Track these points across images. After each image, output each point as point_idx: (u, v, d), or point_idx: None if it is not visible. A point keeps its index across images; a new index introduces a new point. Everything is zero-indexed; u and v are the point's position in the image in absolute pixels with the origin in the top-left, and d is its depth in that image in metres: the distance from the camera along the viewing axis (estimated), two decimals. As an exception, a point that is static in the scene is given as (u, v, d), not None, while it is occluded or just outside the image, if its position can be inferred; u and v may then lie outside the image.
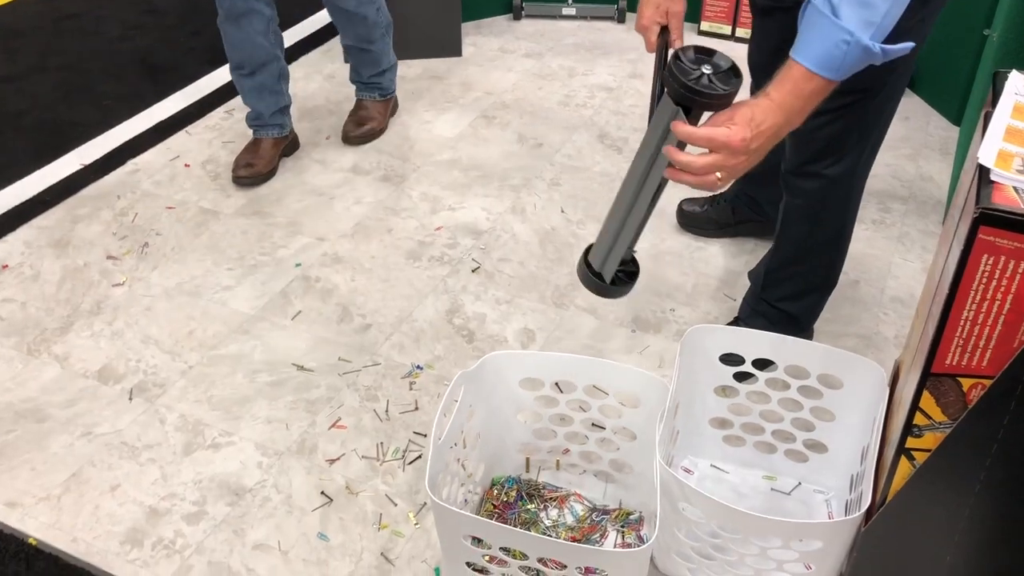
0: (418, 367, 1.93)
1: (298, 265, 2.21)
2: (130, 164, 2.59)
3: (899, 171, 2.58)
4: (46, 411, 1.82)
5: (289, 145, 2.61)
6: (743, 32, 3.26)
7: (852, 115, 1.63)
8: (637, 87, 3.02)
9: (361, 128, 2.68)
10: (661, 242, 2.31)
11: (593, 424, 1.59)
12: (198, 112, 2.84)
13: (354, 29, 2.56)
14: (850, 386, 1.55)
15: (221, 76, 3.03)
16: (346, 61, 2.67)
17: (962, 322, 1.08)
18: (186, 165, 2.59)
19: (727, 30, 3.32)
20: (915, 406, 1.17)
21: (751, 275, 2.04)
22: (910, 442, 1.20)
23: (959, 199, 1.23)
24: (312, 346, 1.98)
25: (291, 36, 3.28)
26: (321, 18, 3.39)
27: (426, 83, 3.03)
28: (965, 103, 2.73)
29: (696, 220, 2.34)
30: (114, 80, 3.04)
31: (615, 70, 3.12)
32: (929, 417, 1.17)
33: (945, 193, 2.48)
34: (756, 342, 1.59)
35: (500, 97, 2.96)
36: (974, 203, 1.02)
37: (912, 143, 2.71)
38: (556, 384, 1.57)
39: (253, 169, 2.50)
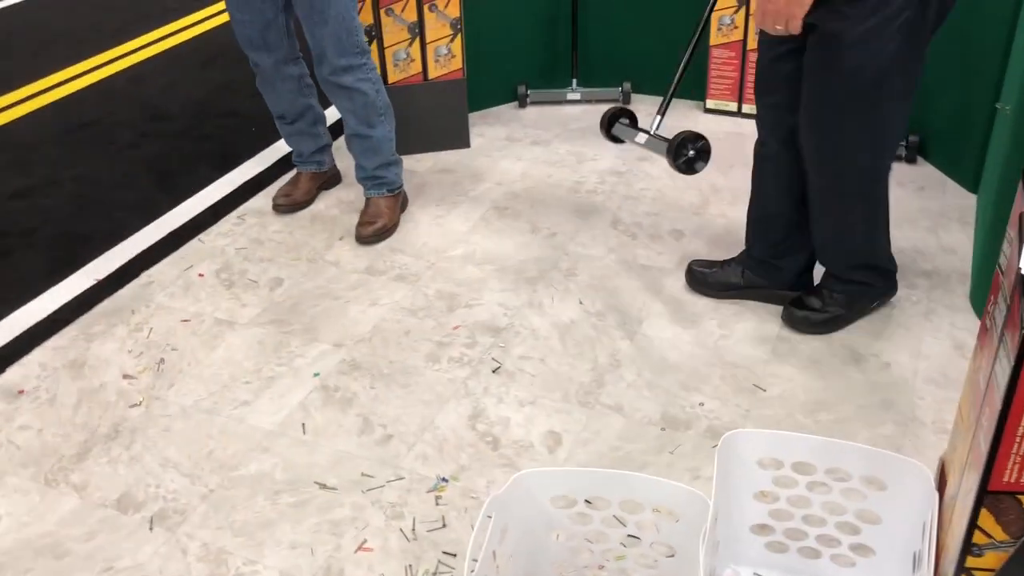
0: (443, 480, 1.87)
1: (316, 375, 2.18)
2: (144, 276, 2.58)
3: (920, 244, 2.54)
4: (65, 546, 1.77)
5: (330, 180, 2.97)
6: (749, 108, 3.26)
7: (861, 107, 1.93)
8: (647, 170, 3.01)
9: (372, 227, 2.68)
10: (683, 331, 2.27)
11: (629, 536, 1.53)
12: (210, 219, 2.84)
13: (353, 108, 2.60)
14: (895, 488, 1.49)
15: (232, 181, 3.05)
16: (351, 151, 2.75)
17: (1018, 438, 1.03)
18: (200, 275, 2.57)
19: (733, 107, 3.33)
20: (973, 524, 1.11)
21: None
22: (970, 561, 1.14)
23: (998, 298, 1.19)
24: (334, 461, 1.93)
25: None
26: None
27: (436, 176, 3.03)
28: (980, 169, 2.71)
29: (705, 280, 2.38)
30: (126, 190, 3.06)
31: (624, 154, 3.12)
32: (989, 536, 1.11)
33: (968, 265, 2.44)
34: (794, 446, 1.54)
35: (510, 187, 2.95)
36: (1019, 318, 0.98)
37: (930, 214, 2.68)
38: (588, 500, 1.51)
39: (290, 198, 2.84)
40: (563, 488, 1.50)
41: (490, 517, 1.39)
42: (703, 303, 2.36)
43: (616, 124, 2.39)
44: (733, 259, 2.37)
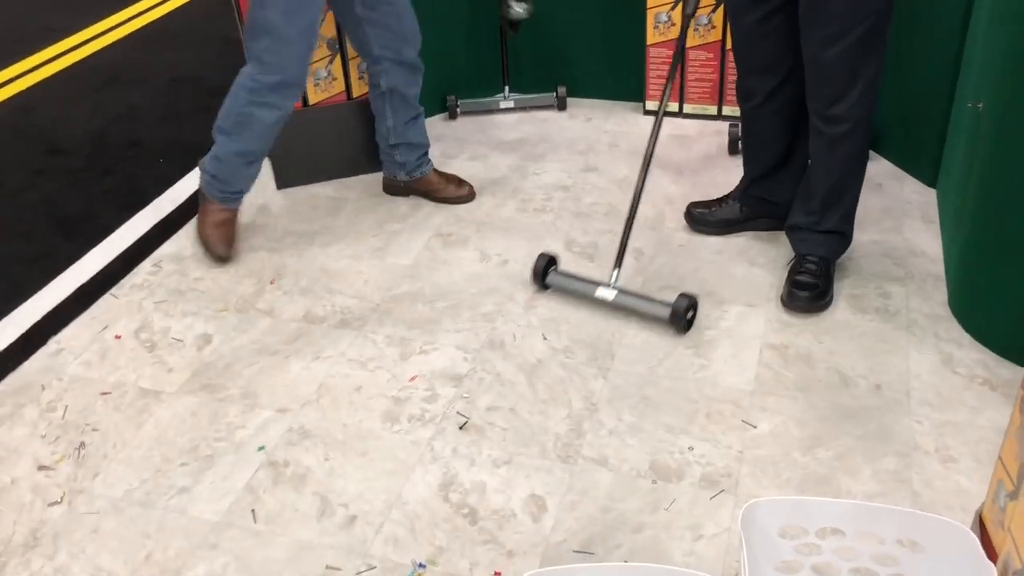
0: (421, 565, 1.67)
1: (261, 449, 1.94)
2: (52, 343, 2.29)
3: (888, 247, 2.44)
4: None
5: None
6: (730, 110, 3.08)
7: (869, 40, 1.99)
8: (594, 182, 2.84)
9: (463, 186, 2.76)
10: (658, 363, 2.11)
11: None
12: (122, 269, 2.55)
13: (415, 84, 2.62)
14: (934, 550, 1.36)
15: (141, 224, 2.76)
16: (388, 154, 2.71)
17: None
18: (117, 337, 2.30)
19: (712, 110, 3.15)
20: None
21: (790, 228, 2.35)
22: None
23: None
24: (293, 554, 1.71)
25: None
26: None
27: (370, 203, 2.80)
28: (939, 163, 2.62)
29: (706, 220, 2.52)
30: (22, 240, 2.74)
31: (567, 165, 2.95)
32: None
33: (941, 268, 2.35)
34: (819, 512, 1.39)
35: (452, 210, 2.74)
36: None
37: (893, 213, 2.58)
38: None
39: (234, 245, 2.56)
40: (572, 587, 1.32)
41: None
42: (673, 331, 2.20)
43: (551, 274, 2.32)
44: (729, 195, 2.54)
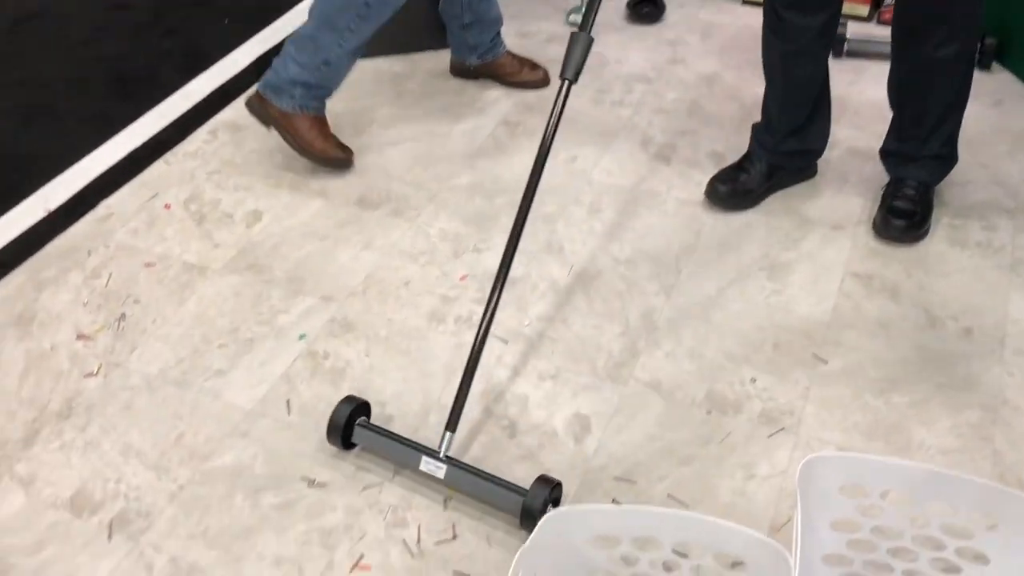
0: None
1: (302, 337, 1.87)
2: (101, 207, 2.23)
3: (999, 175, 2.19)
4: (8, 560, 1.50)
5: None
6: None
7: None
8: (680, 75, 2.62)
9: (537, 70, 2.58)
10: (728, 285, 1.95)
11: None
12: (177, 135, 2.46)
13: None
14: (1011, 529, 1.21)
15: (201, 88, 2.65)
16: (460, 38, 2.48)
17: None
18: (166, 206, 2.23)
19: (864, 11, 2.83)
20: None
21: (884, 153, 2.12)
22: None
23: None
24: (324, 450, 1.65)
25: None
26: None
27: (437, 83, 2.63)
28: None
29: (744, 193, 2.13)
30: (79, 98, 2.66)
31: (651, 55, 2.72)
32: None
33: (1058, 202, 2.11)
34: (885, 472, 1.25)
35: (522, 97, 2.56)
36: None
37: (1010, 135, 2.32)
38: (636, 540, 1.23)
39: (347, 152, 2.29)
40: (604, 529, 1.22)
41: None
42: (751, 247, 2.03)
43: (358, 429, 1.60)
44: (750, 157, 2.16)
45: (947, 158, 2.06)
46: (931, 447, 1.61)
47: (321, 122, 2.25)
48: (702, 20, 2.88)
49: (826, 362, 1.77)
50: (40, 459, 1.66)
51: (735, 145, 2.32)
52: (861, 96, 2.49)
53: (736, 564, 1.21)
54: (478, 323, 1.65)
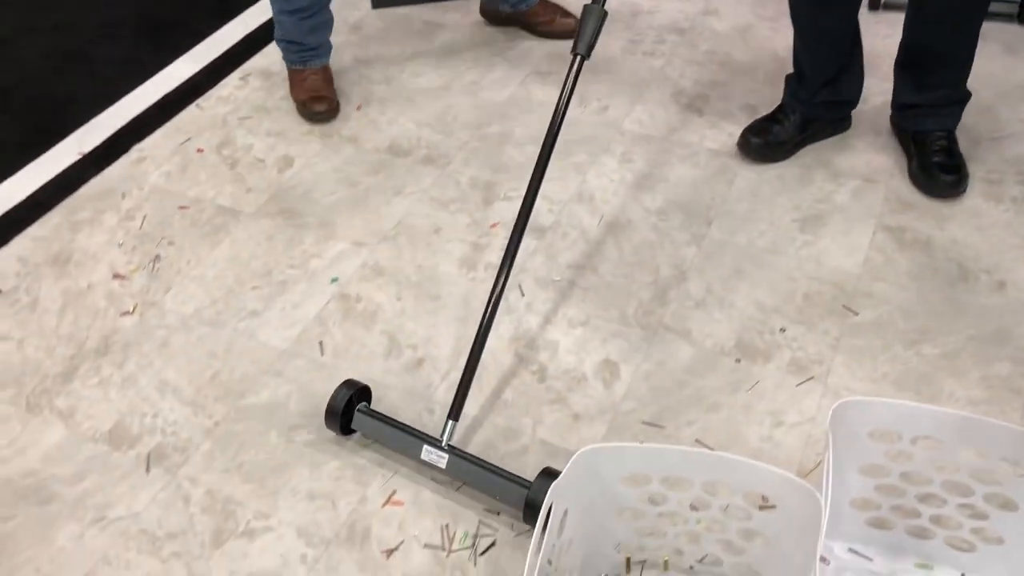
0: (483, 418, 1.62)
1: (334, 280, 1.89)
2: (135, 151, 2.25)
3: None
4: (51, 488, 1.55)
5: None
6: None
7: None
8: (713, 27, 2.59)
9: (568, 18, 2.53)
10: (759, 235, 1.94)
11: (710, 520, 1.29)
12: (209, 80, 2.47)
13: None
14: (1043, 476, 1.22)
15: (232, 34, 2.65)
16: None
17: None
18: (199, 150, 2.24)
19: None
20: None
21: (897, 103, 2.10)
22: None
23: None
24: (356, 391, 1.67)
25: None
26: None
27: (466, 32, 2.62)
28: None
29: (767, 145, 2.10)
30: (111, 42, 2.67)
31: (685, 5, 2.69)
32: None
33: (1097, 158, 2.08)
34: (917, 417, 1.26)
35: (553, 46, 2.54)
36: None
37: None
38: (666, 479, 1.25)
39: (331, 102, 2.31)
40: (635, 467, 1.24)
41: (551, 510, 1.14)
42: (782, 198, 2.02)
43: (358, 415, 1.56)
44: (784, 108, 2.14)
45: (964, 99, 2.04)
46: (960, 398, 1.61)
47: (295, 74, 2.34)
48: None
49: (856, 313, 1.77)
50: (79, 394, 1.70)
51: (768, 97, 2.30)
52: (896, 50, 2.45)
53: (765, 507, 1.23)
54: (513, 269, 1.66)
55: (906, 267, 1.86)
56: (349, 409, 1.56)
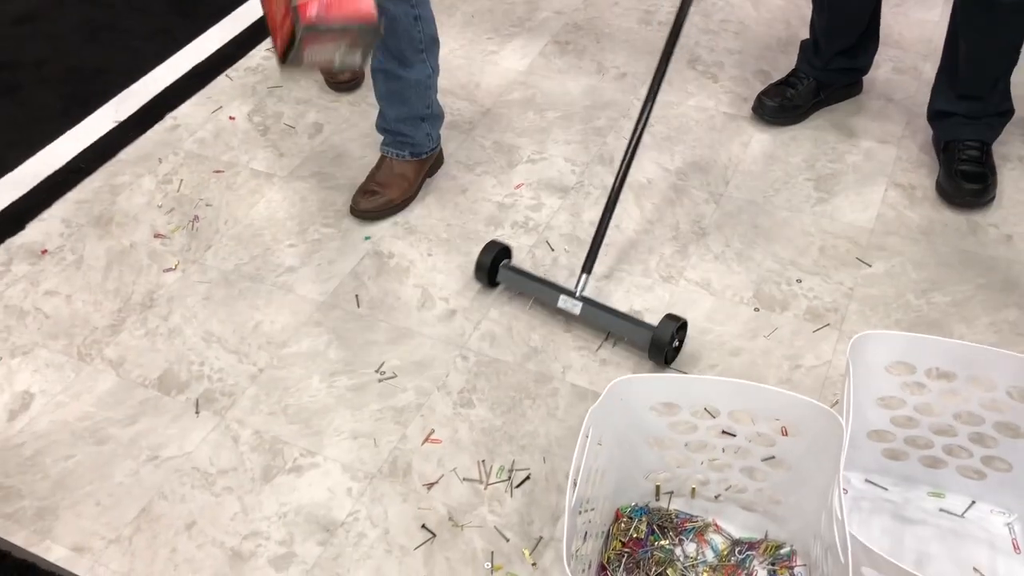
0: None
1: (367, 238, 1.97)
2: (168, 119, 2.33)
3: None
4: (106, 430, 1.63)
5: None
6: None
7: None
8: (726, -2, 2.65)
9: (374, 199, 2.00)
10: (775, 193, 2.02)
11: (738, 445, 1.37)
12: (237, 51, 2.54)
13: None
14: (1049, 402, 1.30)
15: (259, 5, 2.71)
16: (374, 88, 2.01)
17: None
18: (231, 118, 2.32)
19: None
20: None
21: (933, 115, 2.06)
22: None
23: None
24: (392, 339, 1.76)
25: None
26: None
27: (486, 2, 2.69)
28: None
29: (782, 109, 2.17)
30: (142, 14, 2.74)
31: (699, -23, 2.75)
32: None
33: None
34: (931, 350, 1.33)
35: (571, 16, 2.62)
36: None
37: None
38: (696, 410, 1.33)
39: (353, 72, 2.36)
40: (666, 395, 1.32)
41: (587, 437, 1.22)
42: (797, 159, 2.10)
43: (502, 270, 1.80)
44: (797, 73, 2.21)
45: (1007, 113, 2.00)
46: (971, 342, 1.68)
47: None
48: None
49: (870, 265, 1.85)
50: (127, 344, 1.78)
51: (781, 65, 2.37)
52: (907, 18, 2.52)
53: (788, 432, 1.31)
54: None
55: (917, 222, 1.93)
56: (494, 265, 1.79)
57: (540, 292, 1.76)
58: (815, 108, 2.21)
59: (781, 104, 2.17)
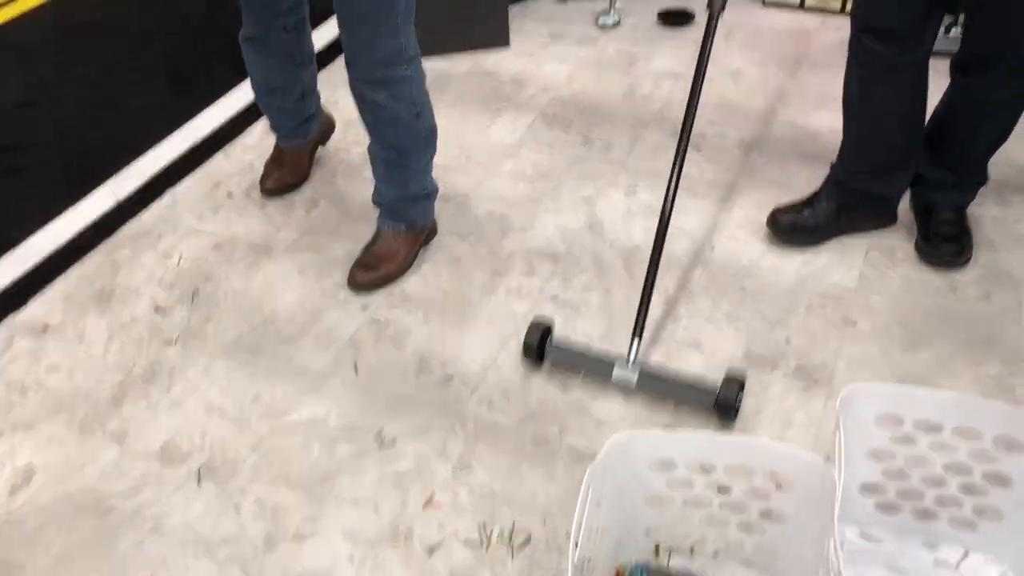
0: (513, 427, 1.73)
1: (364, 308, 2.01)
2: (168, 196, 2.39)
3: (1015, 155, 2.32)
4: (108, 502, 1.64)
5: (325, 133, 2.43)
6: (813, 1, 2.98)
7: None
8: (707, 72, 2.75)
9: (372, 273, 2.04)
10: (760, 255, 2.08)
11: (732, 507, 1.39)
12: (234, 129, 2.62)
13: (382, 130, 1.95)
14: (1034, 450, 1.34)
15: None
16: (372, 164, 2.05)
17: None
18: (229, 194, 2.38)
19: (795, 0, 3.04)
20: None
21: (916, 201, 2.08)
22: None
23: None
24: (391, 406, 1.78)
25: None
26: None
27: (477, 80, 2.79)
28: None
29: (795, 227, 2.08)
30: (140, 95, 2.83)
31: (679, 53, 2.87)
32: None
33: (1069, 179, 2.24)
34: (920, 402, 1.38)
35: (558, 92, 2.72)
36: None
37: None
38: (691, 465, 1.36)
39: (280, 180, 2.35)
40: (664, 452, 1.35)
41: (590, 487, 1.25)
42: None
43: (549, 347, 1.80)
44: (819, 194, 2.09)
45: (982, 181, 2.06)
46: (955, 397, 1.73)
47: (275, 151, 2.39)
48: (726, 20, 3.02)
49: (855, 323, 1.90)
50: (129, 417, 1.80)
51: (761, 134, 2.47)
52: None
53: (783, 486, 1.34)
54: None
55: (899, 281, 2.00)
56: (542, 343, 1.80)
57: (591, 365, 1.77)
58: (836, 233, 2.09)
59: (793, 223, 2.07)
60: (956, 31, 2.63)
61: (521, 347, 1.83)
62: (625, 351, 1.77)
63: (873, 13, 1.84)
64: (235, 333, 1.97)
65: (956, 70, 1.92)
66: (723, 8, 1.82)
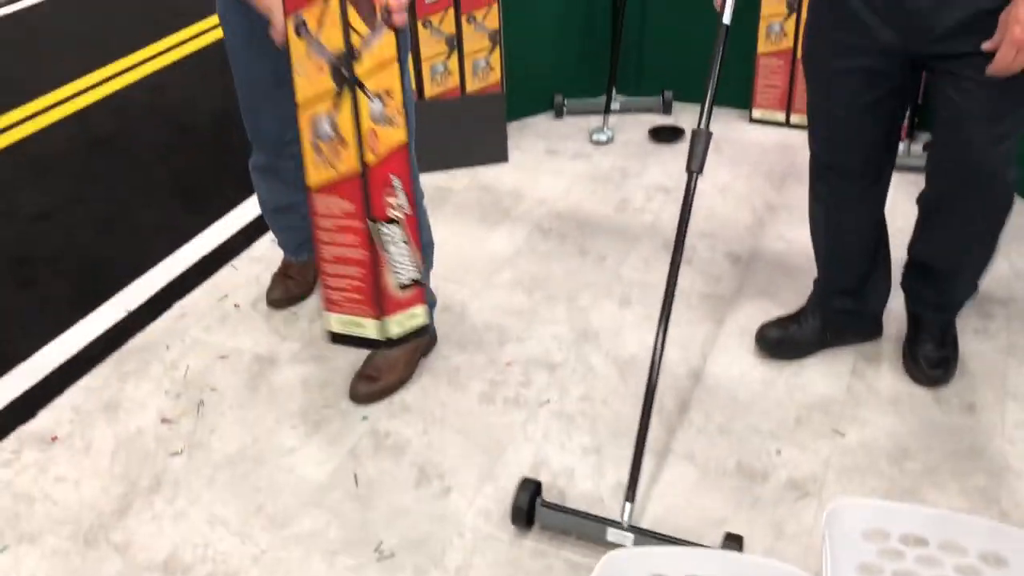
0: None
1: (365, 418, 2.06)
2: (176, 308, 2.46)
3: (992, 268, 2.41)
4: (110, 616, 1.66)
5: None
6: (797, 119, 3.13)
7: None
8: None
9: (373, 384, 2.11)
10: (750, 368, 2.15)
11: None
12: (242, 243, 2.72)
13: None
14: (1019, 565, 1.37)
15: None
16: None
17: None
18: (236, 305, 2.46)
19: (781, 117, 3.19)
20: None
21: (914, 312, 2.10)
22: None
23: None
24: (390, 518, 1.82)
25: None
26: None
27: (475, 195, 2.91)
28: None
29: (782, 343, 2.15)
30: (152, 210, 2.94)
31: (668, 167, 3.00)
32: None
33: (1046, 292, 2.32)
34: (905, 517, 1.42)
35: (553, 206, 2.83)
36: None
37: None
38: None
39: (288, 291, 2.42)
40: (658, 568, 1.38)
41: (584, 607, 1.28)
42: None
43: (539, 508, 1.75)
44: (805, 310, 2.16)
45: (970, 294, 2.11)
46: (943, 508, 1.76)
47: (282, 265, 2.47)
48: (714, 136, 3.15)
49: (843, 435, 1.95)
50: (133, 528, 1.83)
51: (749, 246, 2.56)
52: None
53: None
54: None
55: (885, 393, 2.05)
56: (531, 505, 1.74)
57: (583, 527, 1.72)
58: (822, 347, 2.15)
59: (781, 338, 2.14)
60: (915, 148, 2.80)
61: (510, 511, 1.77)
62: (618, 470, 1.81)
63: (834, 153, 1.94)
64: (239, 444, 2.01)
65: (925, 212, 1.96)
66: (701, 169, 1.82)
